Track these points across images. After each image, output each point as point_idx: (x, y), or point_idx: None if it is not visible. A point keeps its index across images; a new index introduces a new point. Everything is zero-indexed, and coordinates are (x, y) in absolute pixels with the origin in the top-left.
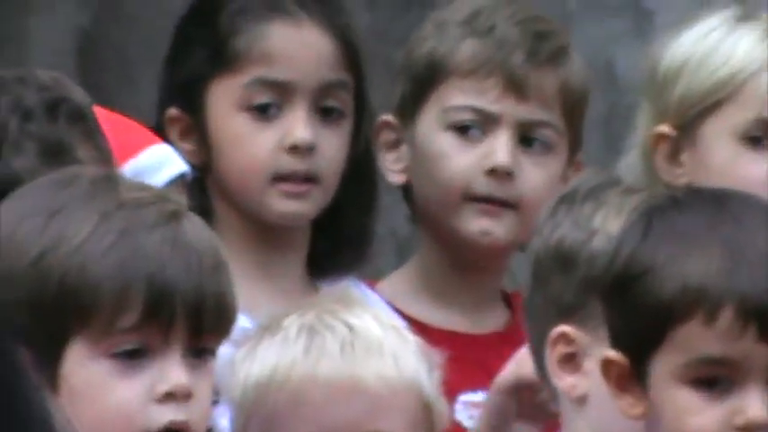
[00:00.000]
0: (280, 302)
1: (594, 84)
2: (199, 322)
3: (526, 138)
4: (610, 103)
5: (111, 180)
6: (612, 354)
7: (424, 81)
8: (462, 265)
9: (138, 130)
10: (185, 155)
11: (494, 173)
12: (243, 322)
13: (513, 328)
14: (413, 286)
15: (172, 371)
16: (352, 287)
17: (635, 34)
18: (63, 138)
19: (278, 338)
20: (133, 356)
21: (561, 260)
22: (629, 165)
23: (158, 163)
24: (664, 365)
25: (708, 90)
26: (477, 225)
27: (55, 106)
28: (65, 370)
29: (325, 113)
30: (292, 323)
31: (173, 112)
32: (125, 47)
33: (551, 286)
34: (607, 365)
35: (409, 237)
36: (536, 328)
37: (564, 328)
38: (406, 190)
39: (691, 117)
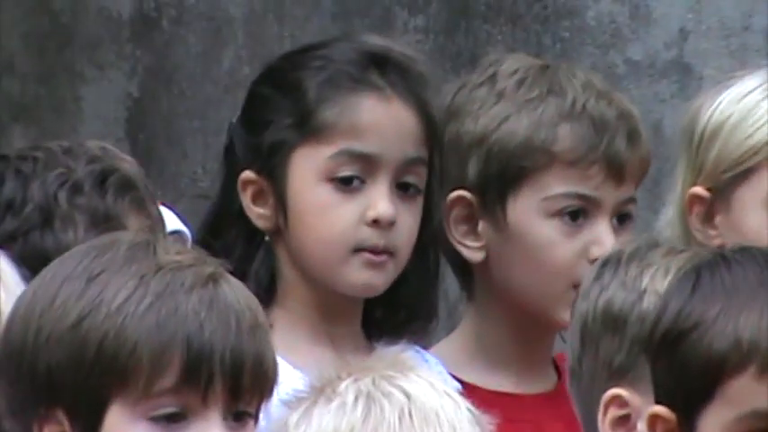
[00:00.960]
0: (339, 365)
1: None
2: (238, 384)
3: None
4: (657, 165)
5: (149, 244)
6: (659, 409)
7: (520, 166)
8: (523, 336)
9: None
10: (257, 219)
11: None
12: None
13: (562, 388)
14: (466, 351)
15: None
16: (407, 350)
17: (682, 96)
18: (111, 210)
19: (334, 405)
20: (172, 420)
21: (611, 322)
22: (668, 221)
23: None
24: (714, 421)
25: (741, 156)
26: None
27: (104, 179)
28: None
29: (402, 188)
30: (348, 389)
31: (248, 174)
32: (174, 115)
33: (601, 349)
34: (653, 421)
35: (459, 298)
36: (585, 391)
37: (617, 390)
38: (460, 259)
39: (724, 181)
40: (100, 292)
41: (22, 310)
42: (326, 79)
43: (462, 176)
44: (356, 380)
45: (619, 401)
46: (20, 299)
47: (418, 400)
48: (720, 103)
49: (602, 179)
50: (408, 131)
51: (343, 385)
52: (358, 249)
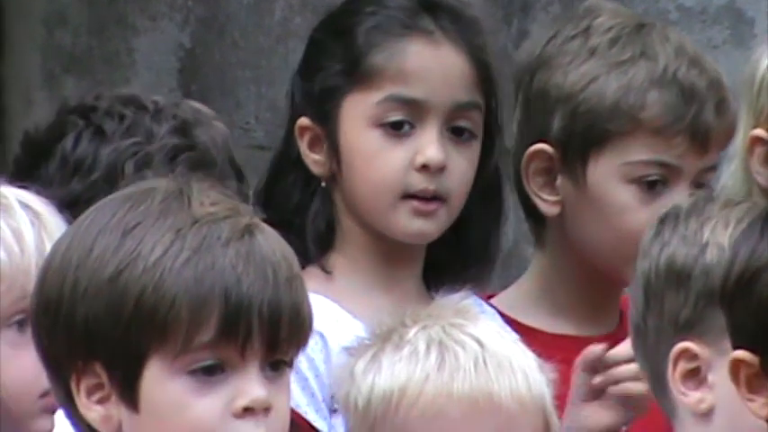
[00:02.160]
0: (398, 312)
1: None
2: (275, 335)
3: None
4: None
5: (183, 194)
6: (742, 353)
7: (604, 129)
8: (592, 286)
9: None
10: (313, 165)
11: None
12: (361, 332)
13: (623, 329)
14: (531, 296)
15: (250, 385)
16: (467, 298)
17: (735, 42)
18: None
19: (405, 352)
20: (211, 372)
21: (674, 277)
22: (731, 172)
23: None
24: None
25: None
26: None
27: (174, 155)
28: (144, 387)
29: (455, 133)
30: (418, 337)
31: (303, 121)
32: (226, 65)
33: (666, 305)
34: (736, 367)
35: (513, 248)
36: (651, 348)
37: (686, 344)
38: (534, 207)
39: None
40: (136, 246)
41: (57, 261)
42: (376, 25)
43: (546, 129)
44: (425, 327)
45: (688, 354)
46: (54, 250)
47: (491, 348)
48: None
49: (685, 148)
50: (458, 76)
51: (411, 333)
52: (407, 195)
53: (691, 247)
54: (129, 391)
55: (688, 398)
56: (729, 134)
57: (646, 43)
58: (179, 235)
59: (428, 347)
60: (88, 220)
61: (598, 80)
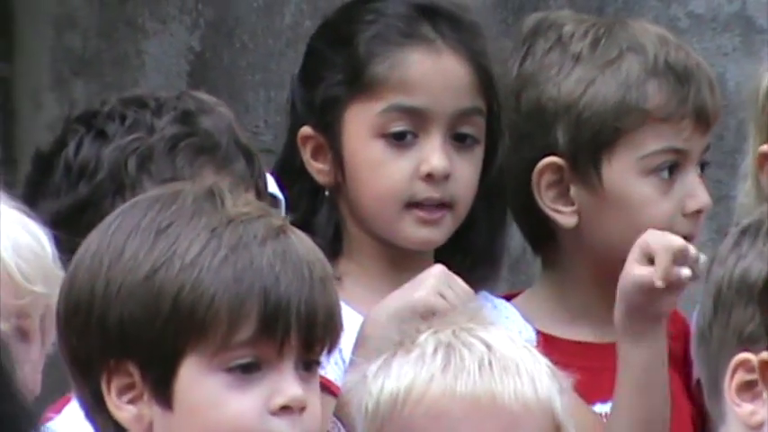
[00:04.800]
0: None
1: None
2: (311, 335)
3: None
4: (720, 120)
5: (215, 195)
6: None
7: (614, 128)
8: (610, 292)
9: None
10: (317, 174)
11: (699, 213)
12: None
13: None
14: (547, 307)
15: (287, 383)
16: (484, 303)
17: (745, 50)
18: (180, 176)
19: (414, 355)
20: (248, 370)
21: (746, 291)
22: (746, 191)
23: None
24: None
25: None
26: None
27: (174, 144)
28: (179, 385)
29: (459, 140)
30: (428, 341)
31: (306, 130)
32: (235, 69)
33: (733, 317)
34: (764, 368)
35: (521, 254)
36: (712, 356)
37: (746, 355)
38: (533, 226)
39: None
40: (171, 245)
41: (86, 263)
42: (376, 34)
43: (549, 143)
44: (436, 332)
45: (746, 366)
46: (81, 253)
47: (498, 351)
48: None
49: (691, 130)
50: (460, 83)
51: (422, 337)
52: (411, 204)
53: (766, 264)
54: (163, 390)
55: (741, 408)
56: (720, 111)
57: (627, 38)
58: (215, 233)
59: (435, 350)
60: (116, 223)
61: (595, 83)
